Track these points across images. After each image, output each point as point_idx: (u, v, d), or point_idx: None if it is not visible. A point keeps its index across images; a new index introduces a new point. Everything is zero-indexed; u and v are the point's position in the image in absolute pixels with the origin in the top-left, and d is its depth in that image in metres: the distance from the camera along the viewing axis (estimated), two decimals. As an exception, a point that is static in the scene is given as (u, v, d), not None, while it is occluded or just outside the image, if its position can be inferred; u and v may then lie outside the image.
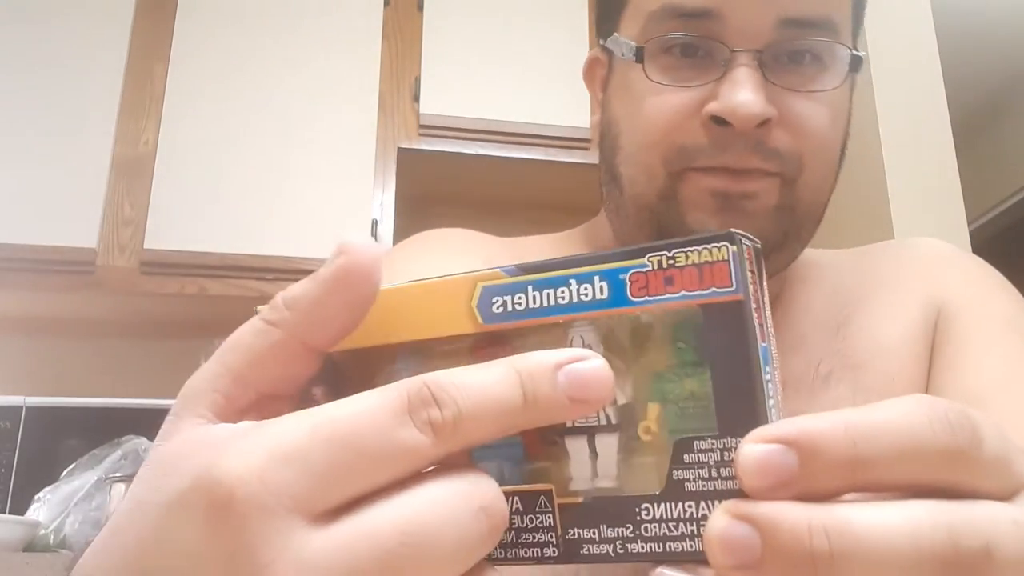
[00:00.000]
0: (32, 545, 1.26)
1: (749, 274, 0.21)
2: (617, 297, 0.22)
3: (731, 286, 0.21)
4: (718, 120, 0.46)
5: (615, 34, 0.53)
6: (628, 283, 0.22)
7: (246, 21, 1.77)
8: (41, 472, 1.46)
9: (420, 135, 1.77)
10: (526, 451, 0.23)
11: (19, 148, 1.62)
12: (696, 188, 0.48)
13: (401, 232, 1.72)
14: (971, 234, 1.55)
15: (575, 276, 0.22)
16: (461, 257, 0.56)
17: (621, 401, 0.23)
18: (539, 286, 0.23)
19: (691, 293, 0.21)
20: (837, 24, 0.48)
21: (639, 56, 0.50)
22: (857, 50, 0.50)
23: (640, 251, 0.22)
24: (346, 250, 0.22)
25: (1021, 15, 2.47)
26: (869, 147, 1.57)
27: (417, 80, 1.79)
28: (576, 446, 0.23)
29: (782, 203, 0.48)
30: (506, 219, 1.95)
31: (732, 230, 0.21)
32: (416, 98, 1.78)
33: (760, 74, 0.46)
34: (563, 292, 0.23)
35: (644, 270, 0.22)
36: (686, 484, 0.21)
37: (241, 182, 1.67)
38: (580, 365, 0.20)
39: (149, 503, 0.21)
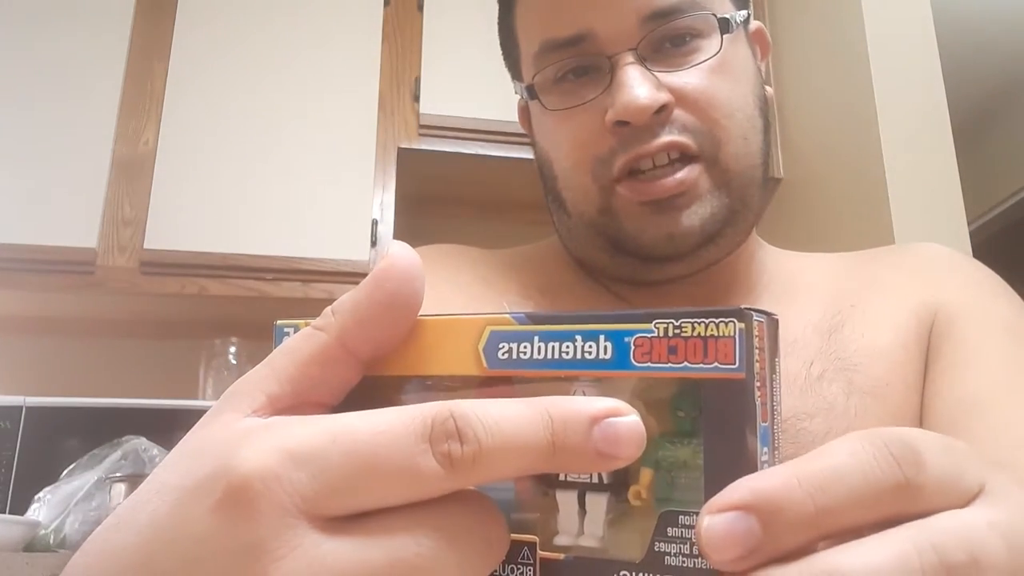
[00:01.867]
0: (32, 545, 1.26)
1: (756, 351, 0.21)
2: (620, 359, 0.22)
3: (734, 364, 0.21)
4: (620, 123, 0.49)
5: (516, 82, 0.57)
6: (632, 347, 0.22)
7: (246, 21, 1.77)
8: (41, 472, 1.46)
9: (420, 135, 1.77)
10: (517, 498, 0.23)
11: (19, 148, 1.62)
12: (625, 202, 0.50)
13: (401, 232, 1.72)
14: (971, 234, 1.55)
15: (581, 333, 0.22)
16: (452, 273, 0.57)
17: None
18: (545, 338, 0.23)
19: (693, 365, 0.21)
20: (695, 3, 0.51)
21: (532, 93, 0.54)
22: (725, 13, 0.52)
23: (648, 316, 0.22)
24: (387, 255, 0.23)
25: (1021, 16, 2.47)
26: (869, 147, 1.57)
27: (417, 80, 1.79)
28: (566, 500, 0.23)
29: (714, 183, 0.50)
30: (506, 219, 1.95)
31: (744, 307, 0.21)
32: (416, 98, 1.78)
33: (642, 67, 0.49)
34: (568, 347, 0.22)
35: (649, 335, 0.22)
36: (666, 558, 0.21)
37: (241, 182, 1.67)
38: (618, 420, 0.20)
39: (169, 485, 0.21)
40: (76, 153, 1.63)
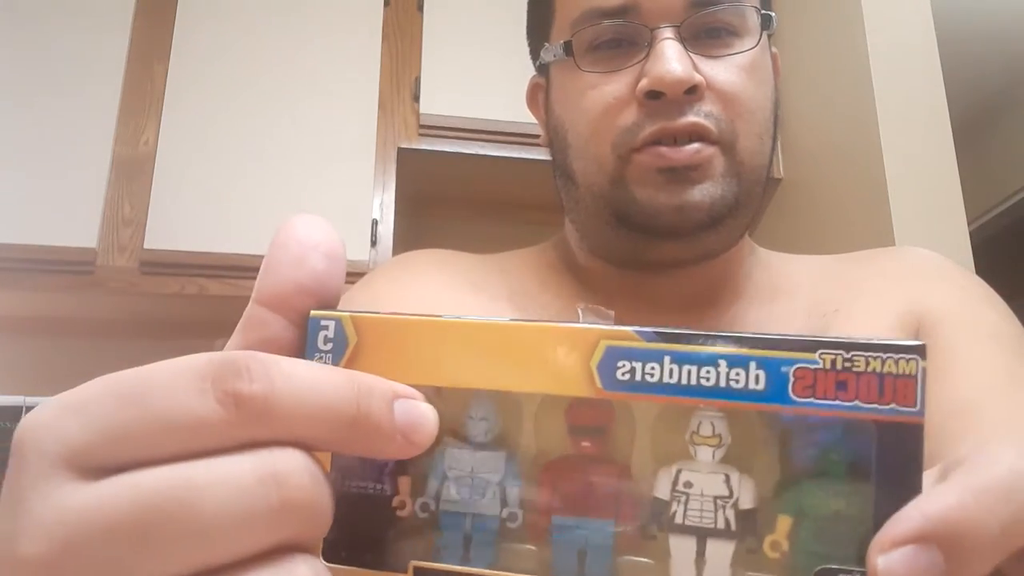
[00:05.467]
0: (32, 545, 1.26)
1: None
2: (776, 392, 0.19)
3: (915, 407, 0.18)
4: (651, 95, 0.49)
5: (546, 44, 0.57)
6: (792, 378, 0.19)
7: (246, 21, 1.77)
8: (41, 472, 1.46)
9: (420, 135, 1.76)
10: (616, 540, 0.20)
11: (19, 148, 1.62)
12: (641, 168, 0.50)
13: (401, 232, 1.72)
14: (971, 234, 1.55)
15: (727, 357, 0.19)
16: (442, 276, 0.57)
17: (745, 506, 0.20)
18: (680, 360, 0.20)
19: (866, 406, 0.19)
20: None
21: (568, 49, 0.53)
22: (768, 9, 0.54)
23: (812, 344, 0.19)
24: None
25: (1021, 16, 2.47)
26: (869, 147, 1.57)
27: (417, 80, 1.79)
28: (682, 546, 0.20)
29: (727, 170, 0.51)
30: (506, 219, 1.95)
31: (922, 342, 0.19)
32: (416, 98, 1.78)
33: (681, 45, 0.50)
34: (708, 372, 0.20)
35: (813, 367, 0.19)
36: None
37: (241, 182, 1.67)
38: (418, 403, 0.20)
39: None
40: (76, 153, 1.63)
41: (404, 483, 0.22)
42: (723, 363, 0.19)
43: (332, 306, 0.22)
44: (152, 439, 0.18)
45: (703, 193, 0.50)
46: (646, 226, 0.52)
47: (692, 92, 0.49)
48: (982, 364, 0.49)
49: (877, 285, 0.57)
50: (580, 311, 0.51)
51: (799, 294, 0.58)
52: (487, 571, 0.20)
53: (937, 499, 0.17)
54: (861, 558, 0.18)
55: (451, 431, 0.22)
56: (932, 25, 1.64)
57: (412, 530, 0.22)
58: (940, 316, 0.53)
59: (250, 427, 0.18)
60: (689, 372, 0.20)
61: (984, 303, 0.55)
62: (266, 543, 0.18)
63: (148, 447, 0.18)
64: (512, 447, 0.22)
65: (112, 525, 0.17)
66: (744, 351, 0.19)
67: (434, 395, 0.22)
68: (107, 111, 1.66)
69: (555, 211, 0.61)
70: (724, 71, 0.51)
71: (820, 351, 0.19)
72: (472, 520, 0.21)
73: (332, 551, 0.21)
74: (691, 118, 0.50)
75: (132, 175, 1.65)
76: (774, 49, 0.58)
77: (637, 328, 0.20)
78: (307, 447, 0.19)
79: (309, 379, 0.19)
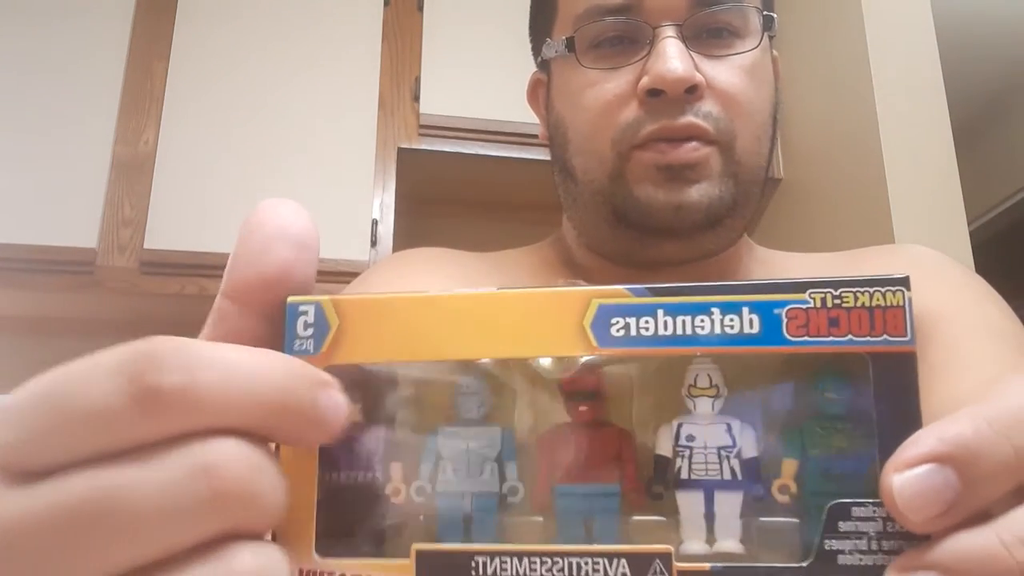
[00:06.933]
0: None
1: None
2: (771, 334, 0.19)
3: (905, 336, 0.19)
4: (652, 93, 0.50)
5: (548, 39, 0.57)
6: (785, 319, 0.19)
7: (246, 21, 1.77)
8: (41, 472, 1.46)
9: (420, 135, 1.76)
10: (624, 501, 0.20)
11: (19, 148, 1.62)
12: (640, 164, 0.51)
13: (401, 232, 1.72)
14: (971, 234, 1.55)
15: (720, 305, 0.20)
16: (437, 273, 0.57)
17: (749, 454, 0.20)
18: (673, 311, 0.20)
19: (859, 339, 0.19)
20: None
21: (571, 45, 0.53)
22: (769, 10, 0.54)
23: (800, 285, 0.19)
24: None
25: (1021, 16, 2.47)
26: (869, 147, 1.57)
27: (417, 80, 1.79)
28: (689, 501, 0.20)
29: (725, 170, 0.51)
30: (506, 219, 1.95)
31: (906, 274, 0.19)
32: (416, 98, 1.78)
33: (683, 44, 0.50)
34: (703, 320, 0.20)
35: (805, 306, 0.19)
36: (839, 556, 0.18)
37: (241, 182, 1.67)
38: (337, 392, 0.19)
39: None
40: (76, 153, 1.63)
41: (396, 469, 0.22)
42: (716, 311, 0.20)
43: (304, 293, 0.22)
44: (74, 440, 0.18)
45: (700, 193, 0.50)
46: (644, 224, 0.52)
47: (692, 91, 0.50)
48: (983, 360, 0.49)
49: None
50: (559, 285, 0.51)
51: None
52: (493, 546, 0.20)
53: (953, 424, 0.17)
54: (871, 491, 0.18)
55: (441, 410, 0.21)
56: (932, 25, 1.64)
57: (409, 516, 0.21)
58: (939, 313, 0.53)
59: (173, 419, 0.18)
60: (683, 322, 0.20)
61: (984, 299, 0.55)
62: (203, 534, 0.18)
63: (72, 448, 0.18)
64: (506, 420, 0.21)
65: (40, 530, 0.17)
66: (735, 297, 0.20)
67: (421, 374, 0.21)
68: (107, 111, 1.66)
69: (555, 211, 0.61)
70: (725, 71, 0.51)
71: (809, 291, 0.19)
72: (471, 499, 0.21)
73: (326, 545, 0.21)
74: (690, 118, 0.50)
75: (132, 175, 1.65)
76: (775, 52, 0.58)
77: (627, 286, 0.20)
78: (246, 434, 0.18)
79: (233, 366, 0.18)
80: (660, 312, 0.20)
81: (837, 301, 0.19)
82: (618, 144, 0.51)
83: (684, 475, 0.20)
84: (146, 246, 1.60)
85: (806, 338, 0.19)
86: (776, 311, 0.19)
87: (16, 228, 1.57)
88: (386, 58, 1.80)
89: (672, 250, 0.53)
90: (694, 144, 0.50)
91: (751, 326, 0.19)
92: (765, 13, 0.53)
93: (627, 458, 0.21)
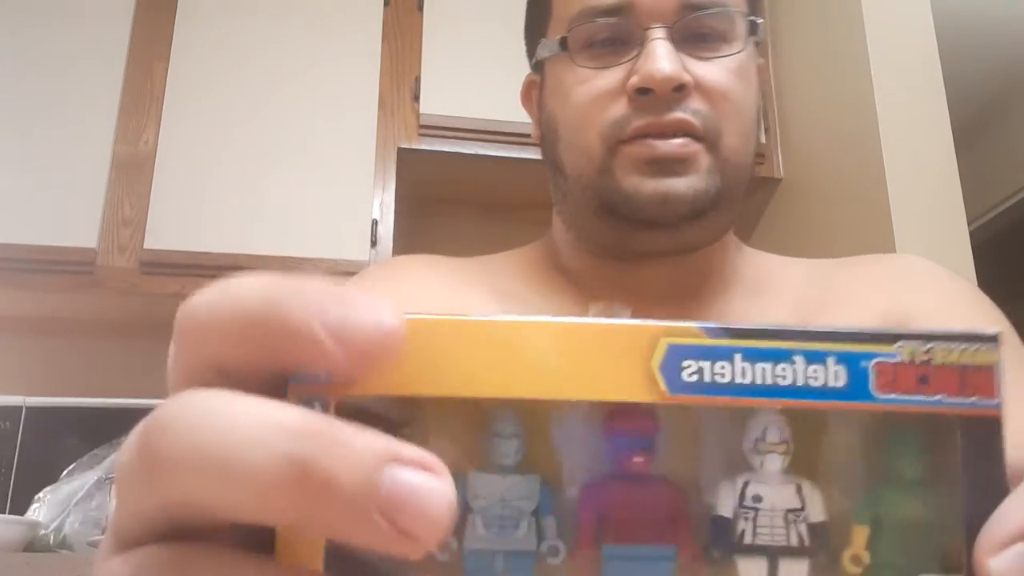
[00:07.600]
0: (32, 545, 1.26)
1: None
2: (856, 389, 0.17)
3: (994, 399, 0.17)
4: (641, 91, 0.51)
5: (543, 40, 0.58)
6: (873, 373, 0.18)
7: (246, 20, 1.77)
8: (41, 472, 1.46)
9: (420, 135, 1.76)
10: (678, 565, 0.18)
11: (19, 148, 1.62)
12: (628, 158, 0.52)
13: (401, 232, 1.72)
14: (971, 234, 1.55)
15: (803, 352, 0.18)
16: (427, 278, 0.58)
17: (816, 518, 0.18)
18: (753, 357, 0.18)
19: (949, 400, 0.17)
20: (730, 3, 0.54)
21: (564, 45, 0.55)
22: (756, 15, 0.56)
23: (889, 336, 0.18)
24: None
25: (1021, 16, 2.47)
26: (869, 147, 1.57)
27: (417, 80, 1.79)
28: (751, 568, 0.18)
29: (712, 166, 0.53)
30: (506, 219, 1.95)
31: (998, 331, 0.17)
32: (416, 98, 1.78)
33: (672, 45, 0.52)
34: (784, 369, 0.18)
35: (892, 360, 0.18)
36: None
37: (241, 182, 1.67)
38: (423, 473, 0.14)
39: None
40: (76, 153, 1.63)
41: None
42: (800, 359, 0.18)
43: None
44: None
45: (687, 185, 0.52)
46: (631, 216, 0.53)
47: (680, 90, 0.51)
48: None
49: (857, 290, 0.57)
50: (593, 310, 0.51)
51: (784, 292, 0.59)
52: None
53: None
54: (949, 567, 0.17)
55: (471, 452, 0.19)
56: (932, 25, 1.64)
57: None
58: (927, 320, 0.53)
59: (155, 493, 0.16)
60: (764, 371, 0.18)
61: (974, 306, 0.55)
62: None
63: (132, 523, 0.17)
64: (546, 468, 0.19)
65: None
66: (820, 345, 0.18)
67: (450, 412, 0.18)
68: (107, 111, 1.66)
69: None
70: (712, 71, 0.53)
71: (899, 342, 0.18)
72: (505, 559, 0.18)
73: None
74: (678, 114, 0.51)
75: (132, 175, 1.65)
76: (760, 60, 0.60)
77: (701, 324, 0.18)
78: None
79: (224, 426, 0.15)
80: (738, 357, 0.18)
81: (926, 356, 0.18)
82: (606, 138, 0.53)
83: (748, 539, 0.18)
84: (146, 246, 1.60)
85: (894, 395, 0.17)
86: (864, 364, 0.18)
87: (16, 228, 1.57)
88: (386, 58, 1.80)
89: (658, 241, 0.54)
90: (683, 140, 0.51)
91: (836, 379, 0.18)
92: (750, 19, 0.55)
93: (682, 517, 0.19)
